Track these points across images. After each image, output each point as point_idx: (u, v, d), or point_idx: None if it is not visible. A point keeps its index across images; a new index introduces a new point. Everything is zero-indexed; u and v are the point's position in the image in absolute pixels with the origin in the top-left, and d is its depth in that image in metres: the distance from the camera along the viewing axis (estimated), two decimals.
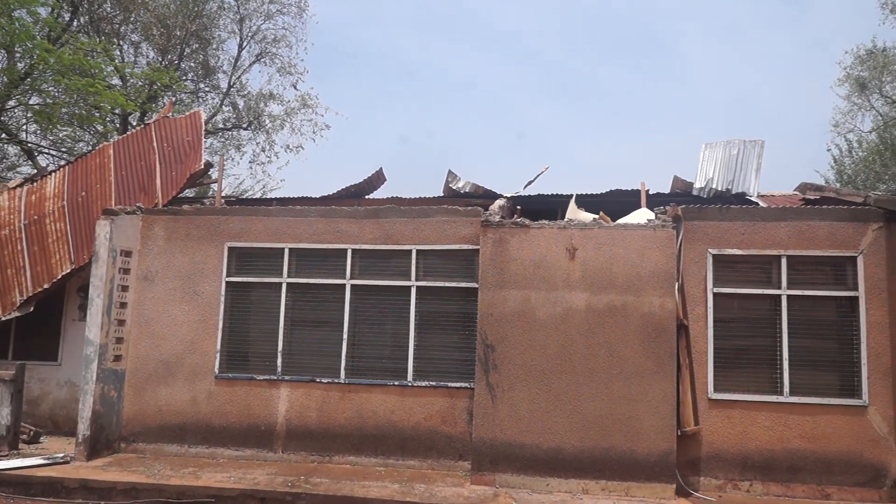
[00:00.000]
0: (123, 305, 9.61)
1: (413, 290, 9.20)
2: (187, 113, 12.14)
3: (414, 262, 9.22)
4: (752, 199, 10.36)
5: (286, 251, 9.53)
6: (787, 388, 8.37)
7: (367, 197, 11.64)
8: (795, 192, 11.02)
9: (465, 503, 7.52)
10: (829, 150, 28.47)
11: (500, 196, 10.54)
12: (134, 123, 20.31)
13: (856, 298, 8.40)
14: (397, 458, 8.91)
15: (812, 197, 10.05)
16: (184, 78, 22.86)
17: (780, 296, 8.53)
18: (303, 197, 11.13)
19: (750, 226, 8.66)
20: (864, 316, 8.35)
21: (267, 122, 24.26)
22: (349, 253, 9.38)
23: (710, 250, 8.65)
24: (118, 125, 20.77)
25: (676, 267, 8.47)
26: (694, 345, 8.51)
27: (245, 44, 23.79)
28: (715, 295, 8.62)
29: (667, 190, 11.26)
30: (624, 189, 10.58)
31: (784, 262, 8.55)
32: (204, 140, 11.28)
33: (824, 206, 8.80)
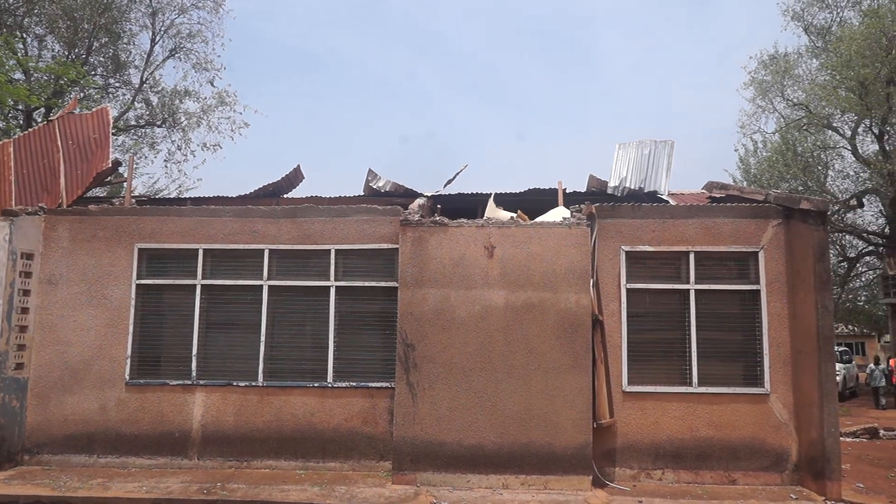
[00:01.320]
0: (25, 311, 9.13)
1: (332, 291, 9.09)
2: (94, 109, 11.63)
3: (333, 261, 9.12)
4: (663, 197, 10.72)
5: (200, 252, 9.26)
6: (695, 379, 8.71)
7: (285, 196, 11.41)
8: (703, 191, 11.48)
9: (386, 503, 7.50)
10: (736, 150, 29.81)
11: (421, 195, 10.53)
12: (39, 120, 19.31)
13: (758, 292, 8.82)
14: (318, 460, 8.79)
15: (718, 195, 10.48)
16: (92, 73, 21.86)
17: (688, 290, 8.87)
18: (218, 196, 10.82)
19: (660, 223, 8.97)
20: (765, 308, 8.78)
21: (183, 119, 23.46)
22: (266, 253, 9.19)
23: (623, 247, 8.91)
24: (21, 122, 19.69)
25: (591, 264, 8.68)
26: (609, 339, 8.74)
27: (158, 38, 22.93)
28: (628, 290, 8.88)
29: (583, 189, 11.50)
30: (542, 188, 10.74)
31: (692, 257, 8.90)
32: (113, 137, 10.85)
33: (729, 204, 9.20)
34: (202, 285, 9.24)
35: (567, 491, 8.04)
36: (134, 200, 10.94)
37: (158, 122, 23.56)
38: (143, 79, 23.09)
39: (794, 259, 8.71)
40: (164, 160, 24.15)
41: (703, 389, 8.69)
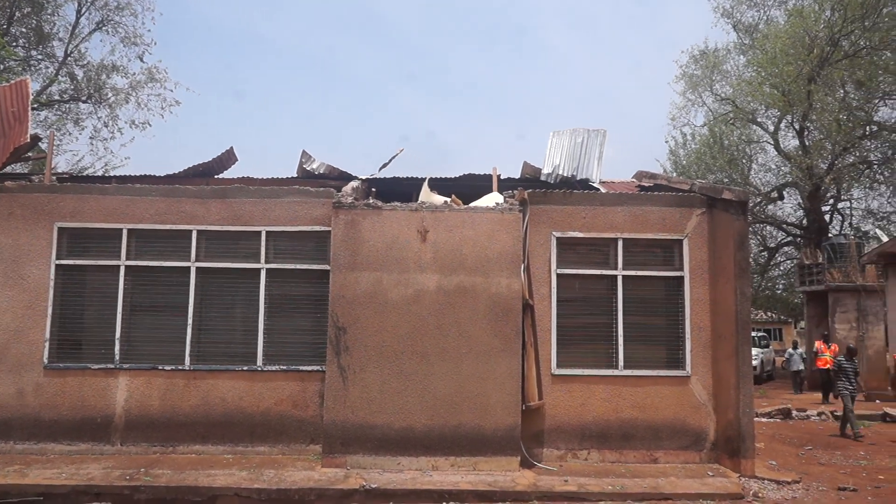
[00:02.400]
0: None
1: (263, 273, 8.96)
2: (13, 81, 11.06)
3: (264, 243, 8.98)
4: (595, 185, 10.94)
5: (125, 232, 8.97)
6: (621, 362, 8.98)
7: (217, 177, 11.14)
8: (633, 180, 11.77)
9: (315, 486, 7.48)
10: (666, 141, 30.65)
11: (355, 178, 10.44)
12: None
13: (681, 278, 9.14)
14: (246, 444, 8.68)
15: (647, 184, 10.78)
16: (13, 44, 20.78)
17: (616, 276, 9.11)
18: (145, 175, 10.45)
19: (590, 210, 9.17)
20: (688, 294, 9.11)
21: (110, 95, 22.58)
22: (194, 234, 8.97)
23: (554, 233, 9.07)
24: None
25: (523, 249, 8.81)
26: (539, 323, 8.91)
27: (84, 10, 22.00)
28: (558, 276, 9.06)
29: (517, 175, 11.63)
30: (477, 174, 10.79)
31: (620, 244, 9.14)
32: (35, 112, 10.37)
33: (656, 193, 9.47)
34: (126, 266, 8.96)
35: (495, 472, 8.18)
36: (55, 178, 10.48)
37: (84, 98, 22.61)
38: (68, 52, 22.12)
39: (716, 247, 9.05)
40: (90, 137, 23.28)
41: (628, 372, 8.97)
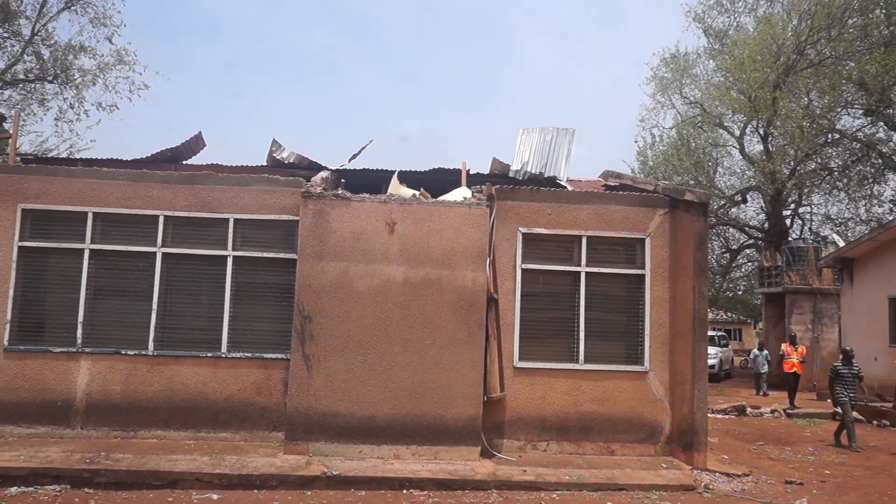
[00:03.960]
0: None
1: (230, 260, 8.97)
2: None
3: (231, 231, 8.99)
4: (562, 182, 11.14)
5: (90, 215, 8.90)
6: (582, 357, 9.18)
7: (184, 162, 11.08)
8: (599, 179, 11.99)
9: (277, 472, 7.54)
10: (635, 141, 31.07)
11: (325, 168, 10.49)
12: None
13: (643, 276, 9.37)
14: (209, 430, 8.70)
15: (613, 183, 11.00)
16: None
17: (579, 272, 9.30)
18: (112, 159, 10.36)
19: (556, 207, 9.34)
20: (648, 292, 9.34)
21: (77, 76, 22.16)
22: (161, 220, 8.94)
23: (520, 229, 9.23)
24: None
25: (489, 243, 8.95)
26: (502, 317, 9.07)
27: None
28: (523, 271, 9.23)
29: (487, 171, 11.77)
30: (446, 168, 10.91)
31: (584, 241, 9.33)
32: None
33: (620, 193, 9.69)
34: (91, 250, 8.90)
35: (456, 461, 8.32)
36: (19, 158, 10.34)
37: (49, 78, 22.16)
38: (35, 30, 21.66)
39: (676, 247, 9.29)
40: (55, 118, 22.79)
41: (588, 366, 9.17)
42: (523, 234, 9.24)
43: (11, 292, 8.75)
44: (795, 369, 17.29)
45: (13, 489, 7.01)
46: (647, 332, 9.27)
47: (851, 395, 11.43)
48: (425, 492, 7.52)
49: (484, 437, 8.69)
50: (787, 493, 8.02)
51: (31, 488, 7.07)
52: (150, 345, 8.80)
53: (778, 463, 9.83)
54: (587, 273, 9.31)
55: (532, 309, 9.26)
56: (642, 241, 9.41)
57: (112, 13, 22.70)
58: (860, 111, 24.06)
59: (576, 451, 9.03)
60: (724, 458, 9.65)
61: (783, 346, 18.57)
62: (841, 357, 11.81)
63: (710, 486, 8.03)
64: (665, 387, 9.23)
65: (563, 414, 9.07)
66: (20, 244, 8.84)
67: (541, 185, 10.81)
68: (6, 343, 8.68)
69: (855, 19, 22.73)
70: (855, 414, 12.01)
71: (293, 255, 8.84)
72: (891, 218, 18.66)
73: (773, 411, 15.05)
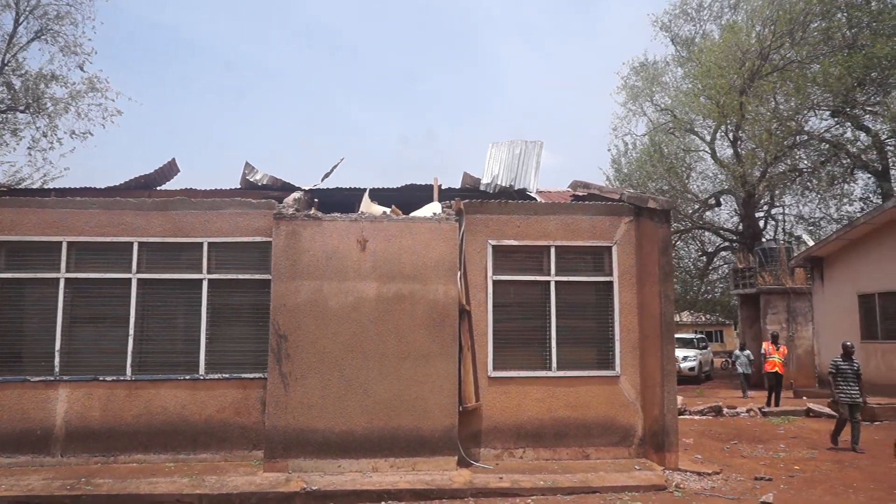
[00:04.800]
0: None
1: (205, 283, 9.11)
2: None
3: (206, 254, 9.14)
4: (532, 194, 11.38)
5: (64, 245, 9.02)
6: (554, 364, 9.39)
7: (158, 188, 11.22)
8: (568, 189, 12.26)
9: (257, 490, 7.66)
10: (609, 150, 31.52)
11: (298, 188, 10.67)
12: None
13: (611, 283, 9.61)
14: (189, 452, 8.81)
15: (581, 193, 11.26)
16: None
17: (549, 282, 9.53)
18: (85, 188, 10.48)
19: (525, 219, 9.58)
20: (617, 298, 9.58)
21: (49, 105, 22.24)
22: (135, 246, 9.08)
23: (490, 241, 9.46)
24: None
25: (459, 257, 9.16)
26: (476, 328, 9.27)
27: (23, 19, 21.66)
28: (494, 282, 9.45)
29: (458, 185, 12.01)
30: (418, 184, 11.13)
31: (553, 251, 9.57)
32: None
33: (587, 203, 9.95)
34: (66, 279, 9.01)
35: (433, 471, 8.48)
36: None
37: (21, 108, 22.22)
38: (5, 61, 21.74)
39: (642, 253, 9.55)
40: (28, 148, 22.82)
41: (561, 373, 9.39)
42: (493, 246, 9.47)
43: None
44: (777, 369, 17.07)
45: None
46: (617, 337, 9.51)
47: (854, 393, 10.99)
48: (403, 502, 7.67)
49: (461, 447, 8.86)
50: (756, 488, 8.25)
51: None
52: (129, 370, 8.91)
53: (749, 460, 10.07)
54: (557, 282, 9.54)
55: (504, 319, 9.47)
56: (609, 248, 9.67)
57: (83, 41, 22.87)
58: (827, 112, 24.66)
59: (552, 456, 9.22)
60: (696, 458, 9.87)
61: (765, 345, 18.10)
62: (841, 353, 11.37)
63: (681, 486, 8.24)
64: (636, 390, 9.46)
65: (538, 421, 9.26)
66: None
67: (511, 197, 11.06)
68: None
69: (817, 23, 23.35)
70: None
71: (268, 276, 8.99)
72: (859, 216, 19.10)
73: (748, 411, 15.32)
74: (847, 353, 11.30)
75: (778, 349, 17.55)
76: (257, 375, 8.93)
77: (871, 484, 8.60)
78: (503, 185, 11.52)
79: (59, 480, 7.87)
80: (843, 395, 11.10)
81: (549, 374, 9.38)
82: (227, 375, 8.96)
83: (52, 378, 8.81)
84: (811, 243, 21.64)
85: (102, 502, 7.40)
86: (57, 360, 8.86)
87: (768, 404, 16.50)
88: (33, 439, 8.69)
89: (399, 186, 11.12)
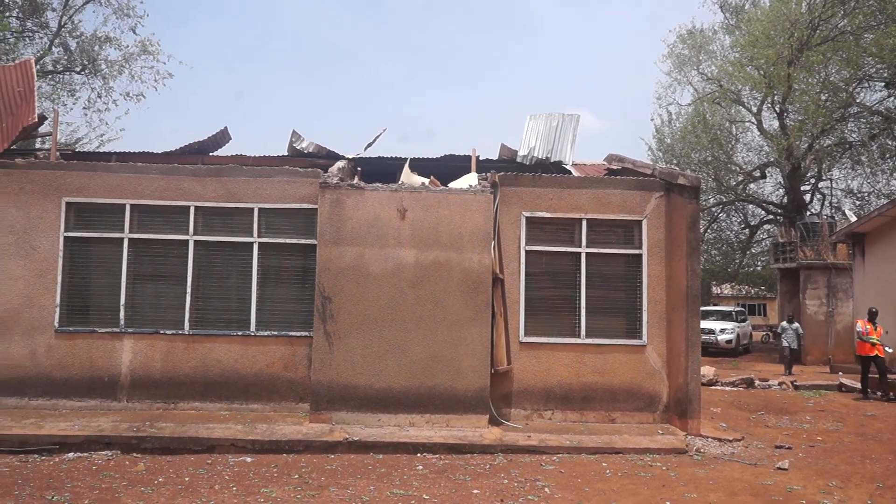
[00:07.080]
0: None
1: (255, 246, 9.74)
2: (17, 61, 11.69)
3: (256, 219, 9.75)
4: (568, 167, 11.69)
5: (127, 207, 9.72)
6: (583, 332, 9.82)
7: (211, 154, 11.85)
8: (604, 162, 12.51)
9: (304, 438, 8.33)
10: (652, 119, 31.24)
11: (342, 157, 11.17)
12: None
13: (640, 256, 9.95)
14: (241, 402, 9.54)
15: (615, 167, 11.53)
16: (7, 15, 21.26)
17: (580, 253, 9.91)
18: (144, 152, 11.17)
19: (557, 192, 9.94)
20: (645, 270, 9.92)
21: (103, 66, 23.10)
22: (192, 210, 9.73)
23: (523, 213, 9.86)
24: None
25: (493, 227, 9.60)
26: (508, 295, 9.73)
27: None
28: (527, 252, 9.87)
29: (495, 157, 12.36)
30: (457, 154, 11.51)
31: (584, 224, 9.92)
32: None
33: (618, 177, 10.25)
34: (130, 239, 9.73)
35: (466, 428, 9.06)
36: (59, 154, 11.18)
37: (77, 69, 23.11)
38: (62, 23, 22.57)
39: (671, 228, 9.84)
40: (84, 108, 23.80)
41: (589, 340, 9.81)
42: (527, 217, 9.86)
43: (60, 279, 9.62)
44: (877, 352, 14.32)
45: (70, 454, 7.89)
46: (644, 308, 9.87)
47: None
48: (437, 455, 8.26)
49: (492, 407, 9.40)
50: (774, 456, 8.60)
51: (86, 454, 7.95)
52: (186, 325, 9.64)
53: (773, 430, 10.40)
54: (587, 254, 9.91)
55: (536, 288, 9.91)
56: (639, 222, 9.97)
57: (135, 3, 23.55)
58: (880, 84, 24.07)
59: (579, 419, 9.70)
60: (721, 426, 10.24)
61: (860, 323, 14.97)
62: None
63: (702, 450, 8.65)
64: (662, 359, 9.84)
65: (566, 385, 9.73)
66: (66, 234, 9.69)
67: (547, 169, 11.38)
68: (57, 325, 9.56)
69: None
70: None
71: (313, 241, 9.57)
72: None
73: (780, 384, 15.53)
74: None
75: (875, 328, 14.61)
76: (303, 334, 9.57)
77: (889, 455, 8.87)
78: (539, 157, 11.81)
79: (125, 423, 8.67)
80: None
81: (578, 340, 9.82)
82: (275, 333, 9.63)
83: (117, 330, 9.59)
84: (853, 219, 21.39)
85: (165, 443, 8.15)
86: (122, 313, 9.63)
87: (885, 393, 14.11)
88: (101, 385, 9.52)
89: (438, 157, 11.51)
